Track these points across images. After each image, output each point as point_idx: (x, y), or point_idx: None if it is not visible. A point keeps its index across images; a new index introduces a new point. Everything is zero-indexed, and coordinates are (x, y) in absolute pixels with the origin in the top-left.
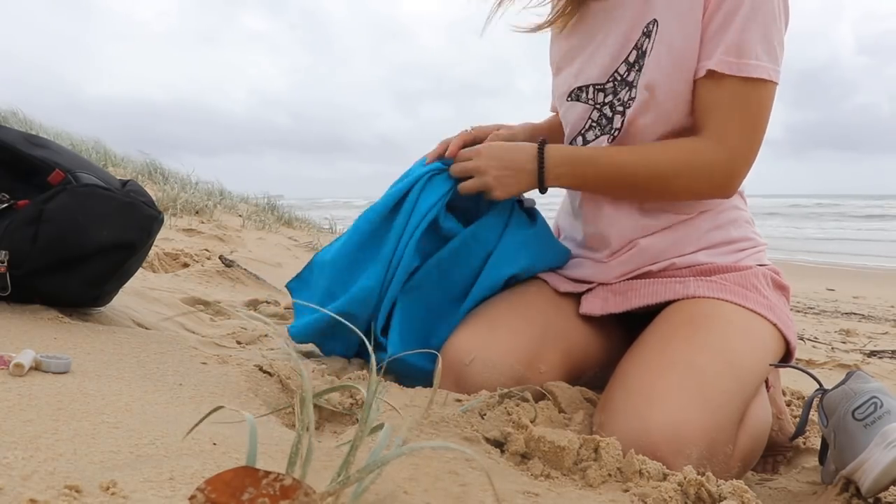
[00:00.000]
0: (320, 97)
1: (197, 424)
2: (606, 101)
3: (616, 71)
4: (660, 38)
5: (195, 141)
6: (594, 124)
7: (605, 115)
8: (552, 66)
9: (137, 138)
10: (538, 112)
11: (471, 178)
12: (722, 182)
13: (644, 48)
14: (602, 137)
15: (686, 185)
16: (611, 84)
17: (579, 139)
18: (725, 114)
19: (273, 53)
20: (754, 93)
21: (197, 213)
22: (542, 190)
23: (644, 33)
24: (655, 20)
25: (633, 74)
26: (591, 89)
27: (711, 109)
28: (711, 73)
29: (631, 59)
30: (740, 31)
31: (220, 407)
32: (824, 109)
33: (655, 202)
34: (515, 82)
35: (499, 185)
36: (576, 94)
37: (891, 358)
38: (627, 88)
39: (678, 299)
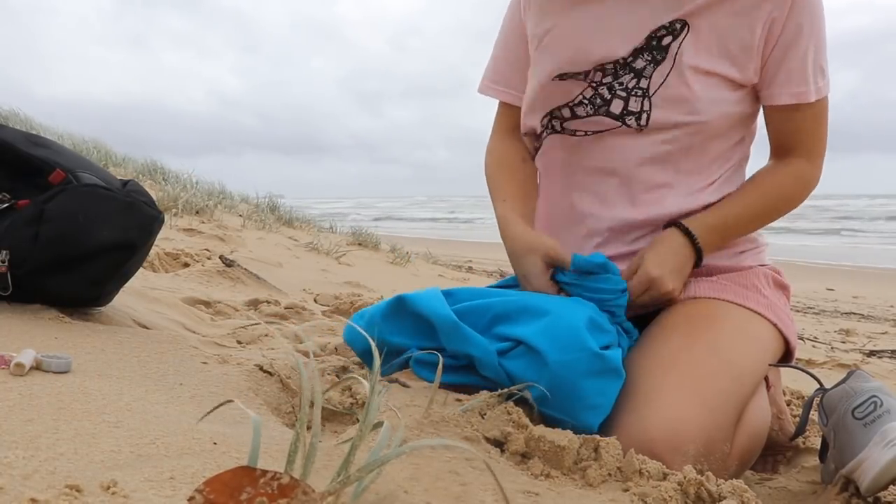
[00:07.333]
0: (280, 98)
1: (208, 413)
2: (605, 81)
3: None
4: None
5: (172, 142)
6: (585, 101)
7: (600, 94)
8: (533, 40)
9: (119, 141)
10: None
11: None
12: (812, 190)
13: (663, 41)
14: (596, 116)
15: (795, 203)
16: (611, 66)
17: (565, 110)
18: (811, 133)
19: (209, 55)
20: (825, 107)
21: (197, 212)
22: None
23: (667, 29)
24: (687, 23)
25: (639, 62)
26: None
27: (799, 132)
28: (797, 104)
29: (639, 46)
30: (815, 57)
31: (229, 401)
32: None
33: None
34: (470, 79)
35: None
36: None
37: (890, 357)
38: (632, 75)
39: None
